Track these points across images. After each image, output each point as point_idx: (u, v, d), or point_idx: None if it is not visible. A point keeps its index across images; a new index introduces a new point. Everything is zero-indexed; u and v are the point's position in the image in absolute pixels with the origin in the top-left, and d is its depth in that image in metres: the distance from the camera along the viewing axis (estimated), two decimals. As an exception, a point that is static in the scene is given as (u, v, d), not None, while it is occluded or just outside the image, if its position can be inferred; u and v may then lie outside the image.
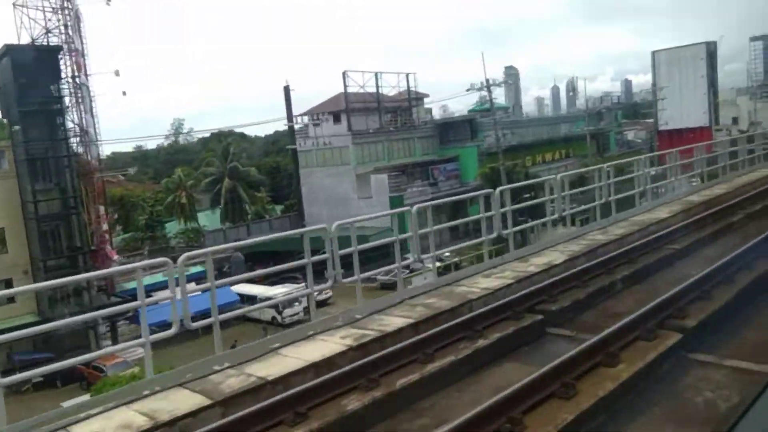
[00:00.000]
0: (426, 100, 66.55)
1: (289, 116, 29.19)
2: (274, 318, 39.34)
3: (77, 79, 35.06)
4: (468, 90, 49.79)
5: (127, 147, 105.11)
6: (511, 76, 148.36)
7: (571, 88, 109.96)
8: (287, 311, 39.22)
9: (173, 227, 56.70)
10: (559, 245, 11.15)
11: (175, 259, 6.77)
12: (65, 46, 35.13)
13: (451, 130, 64.24)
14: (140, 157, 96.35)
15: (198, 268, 48.51)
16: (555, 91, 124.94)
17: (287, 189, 61.78)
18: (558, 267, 9.55)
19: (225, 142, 59.49)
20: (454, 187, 57.70)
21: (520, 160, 65.18)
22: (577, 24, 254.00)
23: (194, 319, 6.93)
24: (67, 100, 38.06)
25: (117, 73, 39.45)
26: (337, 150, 55.40)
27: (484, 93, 53.32)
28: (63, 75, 34.72)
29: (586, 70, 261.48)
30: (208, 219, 58.09)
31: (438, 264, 10.97)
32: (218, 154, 58.11)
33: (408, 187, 55.77)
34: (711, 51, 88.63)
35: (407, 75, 59.51)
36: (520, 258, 10.44)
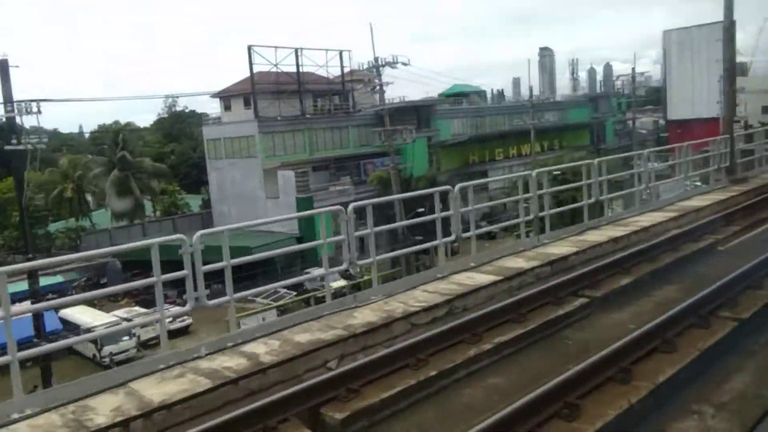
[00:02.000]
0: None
1: (8, 98, 20.75)
2: (95, 356, 31.06)
3: None
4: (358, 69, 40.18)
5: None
6: (546, 58, 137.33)
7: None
8: (109, 348, 30.70)
9: (60, 225, 49.15)
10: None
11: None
12: None
13: (398, 117, 54.51)
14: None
15: (51, 280, 41.03)
16: (592, 74, 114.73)
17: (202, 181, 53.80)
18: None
19: (114, 127, 51.49)
20: (392, 186, 48.55)
21: (475, 155, 56.00)
22: (619, 4, 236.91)
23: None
24: None
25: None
26: (245, 140, 46.91)
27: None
28: None
29: (628, 53, 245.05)
30: (105, 216, 50.28)
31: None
32: (109, 142, 50.00)
33: (328, 185, 47.01)
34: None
35: (340, 53, 50.13)
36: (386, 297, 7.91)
